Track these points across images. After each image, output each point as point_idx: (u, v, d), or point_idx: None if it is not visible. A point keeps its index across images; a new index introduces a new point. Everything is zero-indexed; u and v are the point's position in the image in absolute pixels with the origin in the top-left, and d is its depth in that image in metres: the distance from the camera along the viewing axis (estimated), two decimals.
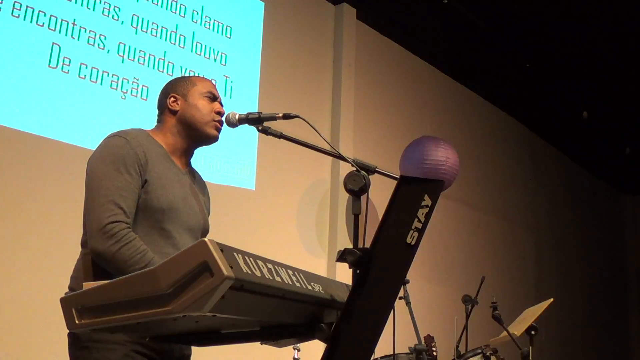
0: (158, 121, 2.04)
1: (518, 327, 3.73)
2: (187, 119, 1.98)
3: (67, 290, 1.82)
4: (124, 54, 3.60)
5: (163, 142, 1.97)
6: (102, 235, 1.71)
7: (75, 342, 1.77)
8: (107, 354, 1.72)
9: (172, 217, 1.87)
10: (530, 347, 3.52)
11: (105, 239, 1.70)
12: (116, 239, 1.70)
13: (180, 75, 2.17)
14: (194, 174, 2.10)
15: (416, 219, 1.33)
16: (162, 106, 2.02)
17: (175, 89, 2.02)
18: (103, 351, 1.72)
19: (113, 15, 3.59)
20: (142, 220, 1.82)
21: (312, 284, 1.37)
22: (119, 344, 1.72)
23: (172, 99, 2.00)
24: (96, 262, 1.75)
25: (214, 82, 4.02)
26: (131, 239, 1.72)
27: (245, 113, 1.91)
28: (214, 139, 2.03)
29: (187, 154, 2.04)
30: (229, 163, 4.09)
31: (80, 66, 3.39)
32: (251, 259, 1.17)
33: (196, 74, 3.92)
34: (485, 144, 6.91)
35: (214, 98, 2.04)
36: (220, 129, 2.04)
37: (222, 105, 2.06)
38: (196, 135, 2.00)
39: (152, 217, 1.83)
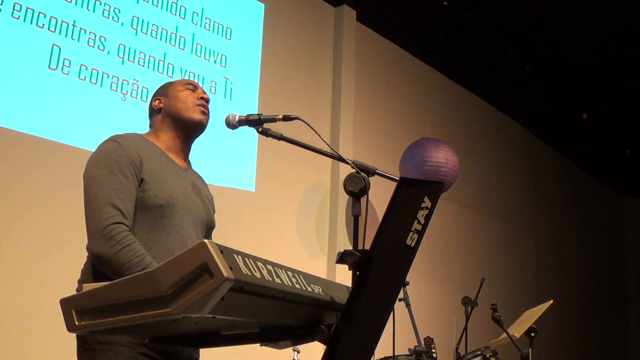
0: (150, 126, 2.10)
1: (518, 329, 3.73)
2: (171, 111, 2.02)
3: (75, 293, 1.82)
4: (124, 56, 3.61)
5: (157, 142, 2.00)
6: (102, 237, 1.72)
7: (82, 344, 1.77)
8: (113, 356, 1.72)
9: (172, 212, 1.88)
10: (530, 349, 3.51)
11: (105, 241, 1.71)
12: (115, 240, 1.71)
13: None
14: (194, 173, 2.12)
15: (416, 221, 1.33)
16: (150, 110, 2.10)
17: (157, 92, 2.11)
18: (109, 353, 1.72)
19: (113, 17, 3.59)
20: (142, 219, 1.83)
21: (311, 285, 1.37)
22: (126, 346, 1.72)
23: (156, 101, 2.07)
24: (95, 266, 1.76)
25: (213, 83, 4.06)
26: (130, 241, 1.73)
27: (245, 115, 1.91)
28: (200, 122, 2.04)
29: (184, 150, 2.06)
30: (228, 165, 4.09)
31: (80, 68, 3.39)
32: (251, 260, 1.17)
33: (195, 75, 3.93)
34: (485, 146, 6.91)
35: (194, 88, 2.08)
36: (207, 113, 2.06)
37: (204, 93, 2.09)
38: (183, 124, 2.02)
39: (152, 214, 1.84)
